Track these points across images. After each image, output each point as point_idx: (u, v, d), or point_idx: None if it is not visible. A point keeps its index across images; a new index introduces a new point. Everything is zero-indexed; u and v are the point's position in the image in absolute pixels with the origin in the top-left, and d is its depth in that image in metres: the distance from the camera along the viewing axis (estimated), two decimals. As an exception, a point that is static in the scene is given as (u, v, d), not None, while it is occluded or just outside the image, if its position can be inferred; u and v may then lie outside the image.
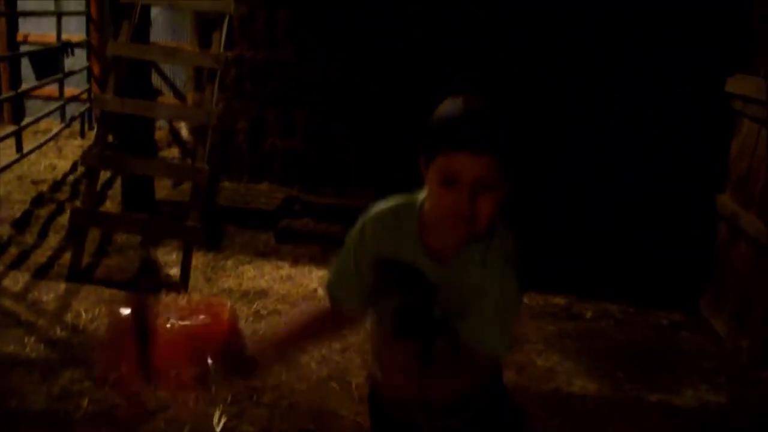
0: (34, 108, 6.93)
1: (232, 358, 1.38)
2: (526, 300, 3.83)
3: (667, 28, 4.29)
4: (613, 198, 4.42)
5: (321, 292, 3.71)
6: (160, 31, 6.68)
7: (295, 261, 4.12)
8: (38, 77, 6.83)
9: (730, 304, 3.57)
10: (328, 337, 1.65)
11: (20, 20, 6.68)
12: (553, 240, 4.20)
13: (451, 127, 1.23)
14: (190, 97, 5.53)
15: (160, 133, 6.28)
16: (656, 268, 4.09)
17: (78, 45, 6.79)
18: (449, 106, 1.25)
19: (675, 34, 4.28)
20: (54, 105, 6.37)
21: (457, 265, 1.31)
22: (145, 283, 1.34)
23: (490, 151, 1.20)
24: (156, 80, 6.65)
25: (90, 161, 3.80)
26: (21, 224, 4.30)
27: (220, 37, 3.87)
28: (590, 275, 4.04)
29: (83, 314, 3.26)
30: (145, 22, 4.38)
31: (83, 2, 6.82)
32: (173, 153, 6.26)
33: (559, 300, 3.88)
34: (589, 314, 3.77)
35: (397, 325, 1.36)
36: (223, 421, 2.53)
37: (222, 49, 3.89)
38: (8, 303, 3.33)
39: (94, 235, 4.05)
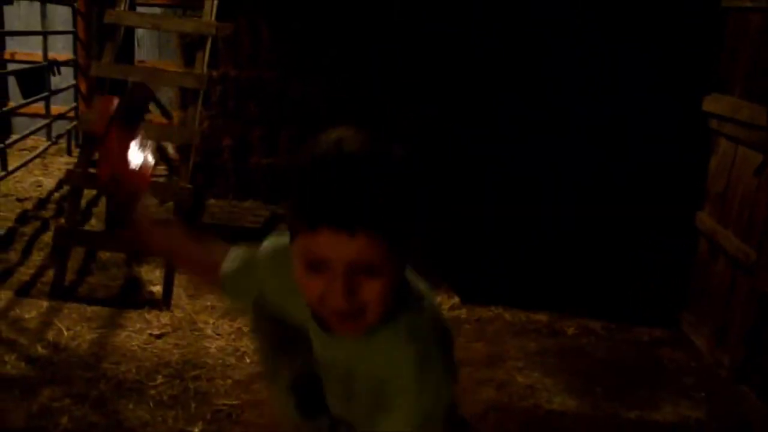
0: (20, 125, 6.94)
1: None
2: (508, 317, 3.86)
3: (645, 49, 4.37)
4: (596, 215, 4.48)
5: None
6: (147, 50, 6.74)
7: (279, 278, 4.12)
8: (24, 95, 6.85)
9: (710, 320, 3.61)
10: (193, 275, 1.47)
11: (7, 39, 6.72)
12: (536, 257, 4.26)
13: (312, 193, 0.84)
14: (176, 115, 5.56)
15: (147, 151, 6.29)
16: (639, 285, 4.14)
17: (65, 63, 6.81)
18: (313, 154, 0.87)
19: (653, 54, 4.36)
20: (40, 122, 6.38)
21: (356, 347, 0.98)
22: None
23: (365, 226, 0.83)
24: (143, 98, 6.68)
25: (74, 181, 3.81)
26: (5, 242, 4.30)
27: (203, 58, 3.91)
28: (573, 292, 4.07)
29: (65, 332, 3.26)
30: (130, 42, 4.43)
31: (70, 21, 6.86)
32: (160, 170, 6.27)
33: (542, 317, 3.91)
34: (570, 331, 3.79)
35: (293, 393, 1.11)
36: (202, 438, 2.54)
37: (205, 70, 3.92)
38: (-11, 321, 3.32)
39: (78, 253, 4.05)
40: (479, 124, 4.61)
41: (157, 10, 5.81)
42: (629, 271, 4.24)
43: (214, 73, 5.02)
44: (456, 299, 3.96)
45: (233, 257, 1.22)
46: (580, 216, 4.47)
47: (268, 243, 1.15)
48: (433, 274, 3.29)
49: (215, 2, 4.02)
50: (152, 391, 2.83)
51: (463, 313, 3.85)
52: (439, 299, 3.97)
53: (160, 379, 2.92)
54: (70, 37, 6.88)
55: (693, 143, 4.06)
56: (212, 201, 5.18)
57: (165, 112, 6.87)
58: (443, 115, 4.66)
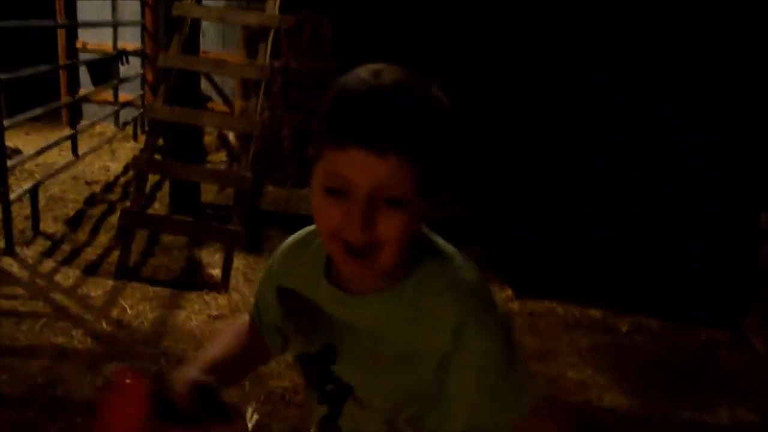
0: (90, 112, 7.23)
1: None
2: (561, 311, 3.83)
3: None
4: (657, 211, 4.39)
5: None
6: (211, 41, 6.90)
7: (333, 266, 4.19)
8: (95, 83, 7.13)
9: (772, 324, 3.51)
10: (251, 366, 1.17)
11: (79, 29, 6.99)
12: (591, 251, 4.20)
13: (346, 109, 0.81)
14: (238, 104, 5.70)
15: (209, 138, 6.47)
16: (699, 285, 4.04)
17: (133, 53, 7.04)
18: (350, 79, 0.84)
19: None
20: (109, 109, 6.64)
21: (380, 305, 0.92)
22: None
23: (397, 149, 0.79)
24: (206, 87, 6.86)
25: (139, 166, 3.95)
26: (74, 223, 4.50)
27: (266, 49, 3.99)
28: (629, 289, 4.00)
29: (128, 310, 3.40)
30: (195, 34, 4.55)
31: (139, 13, 7.09)
32: (221, 157, 6.44)
33: (595, 312, 3.86)
34: (624, 328, 3.74)
35: (301, 373, 1.03)
36: (255, 418, 2.62)
37: (267, 61, 4.00)
38: (59, 297, 3.49)
39: (142, 235, 4.21)
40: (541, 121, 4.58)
41: (221, 3, 5.95)
42: (689, 269, 4.14)
43: (276, 64, 5.13)
44: (509, 292, 3.95)
45: (257, 294, 1.13)
46: (639, 213, 4.39)
47: (279, 248, 1.09)
48: (486, 266, 3.30)
49: (279, -6, 4.10)
50: (209, 370, 2.92)
51: (515, 306, 3.84)
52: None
53: (217, 359, 3.02)
54: (138, 27, 7.12)
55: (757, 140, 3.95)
56: (271, 188, 5.29)
57: (227, 101, 7.04)
58: (506, 106, 4.64)
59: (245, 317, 1.16)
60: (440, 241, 0.95)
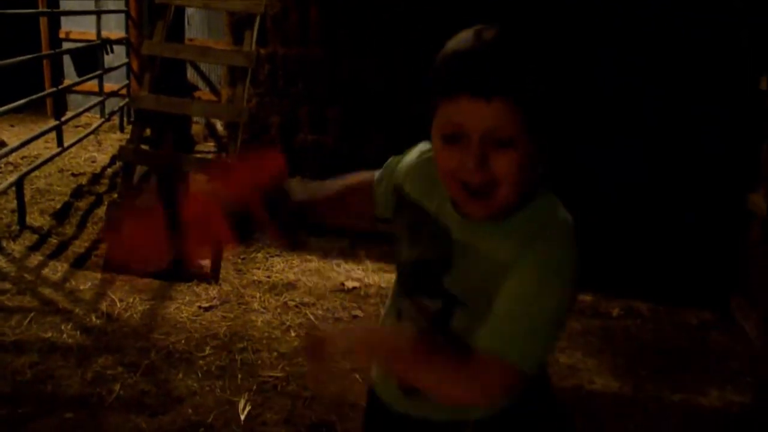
0: (75, 102, 7.16)
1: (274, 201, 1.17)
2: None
3: (698, 27, 4.23)
4: (645, 195, 4.39)
5: (349, 284, 3.78)
6: (196, 29, 6.84)
7: (324, 254, 4.19)
8: (79, 73, 7.05)
9: (761, 305, 3.53)
10: (352, 217, 1.34)
11: (62, 18, 6.90)
12: (581, 235, 4.20)
13: (453, 64, 0.93)
14: (225, 92, 5.63)
15: (197, 127, 6.43)
16: (687, 267, 4.05)
17: (117, 42, 6.97)
18: (456, 39, 0.96)
19: (707, 33, 4.22)
20: (94, 100, 6.56)
21: (489, 232, 1.02)
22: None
23: (501, 93, 0.89)
24: (193, 76, 6.80)
25: (126, 157, 3.92)
26: (61, 215, 4.46)
27: (252, 36, 3.95)
28: (619, 273, 4.01)
29: (118, 303, 3.38)
30: (180, 21, 4.50)
31: (123, 1, 7.00)
32: (209, 146, 6.40)
33: (586, 297, 3.88)
34: (615, 312, 3.76)
35: (409, 279, 1.14)
36: (247, 409, 2.61)
37: (253, 48, 3.96)
38: (47, 291, 3.46)
39: (130, 227, 4.18)
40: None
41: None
42: (678, 252, 4.16)
43: (263, 51, 5.07)
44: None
45: (385, 166, 1.26)
46: (627, 194, 4.39)
47: (417, 147, 1.19)
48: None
49: (264, -20, 4.05)
50: (200, 362, 2.92)
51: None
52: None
53: (208, 350, 3.01)
54: (122, 16, 7.04)
55: (749, 122, 3.95)
56: (259, 177, 5.26)
57: (214, 90, 6.98)
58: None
59: (372, 175, 1.27)
60: (551, 196, 1.07)
